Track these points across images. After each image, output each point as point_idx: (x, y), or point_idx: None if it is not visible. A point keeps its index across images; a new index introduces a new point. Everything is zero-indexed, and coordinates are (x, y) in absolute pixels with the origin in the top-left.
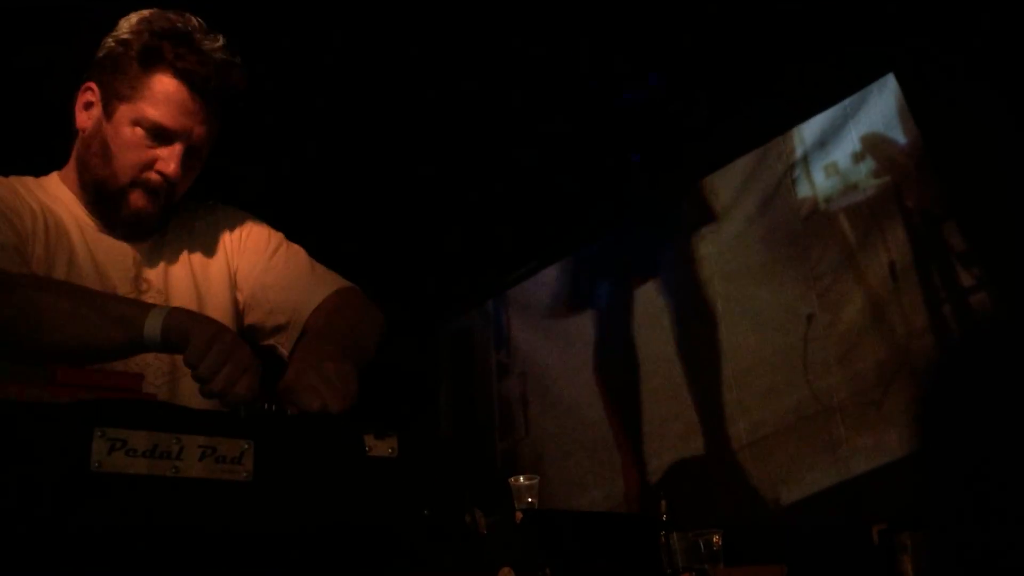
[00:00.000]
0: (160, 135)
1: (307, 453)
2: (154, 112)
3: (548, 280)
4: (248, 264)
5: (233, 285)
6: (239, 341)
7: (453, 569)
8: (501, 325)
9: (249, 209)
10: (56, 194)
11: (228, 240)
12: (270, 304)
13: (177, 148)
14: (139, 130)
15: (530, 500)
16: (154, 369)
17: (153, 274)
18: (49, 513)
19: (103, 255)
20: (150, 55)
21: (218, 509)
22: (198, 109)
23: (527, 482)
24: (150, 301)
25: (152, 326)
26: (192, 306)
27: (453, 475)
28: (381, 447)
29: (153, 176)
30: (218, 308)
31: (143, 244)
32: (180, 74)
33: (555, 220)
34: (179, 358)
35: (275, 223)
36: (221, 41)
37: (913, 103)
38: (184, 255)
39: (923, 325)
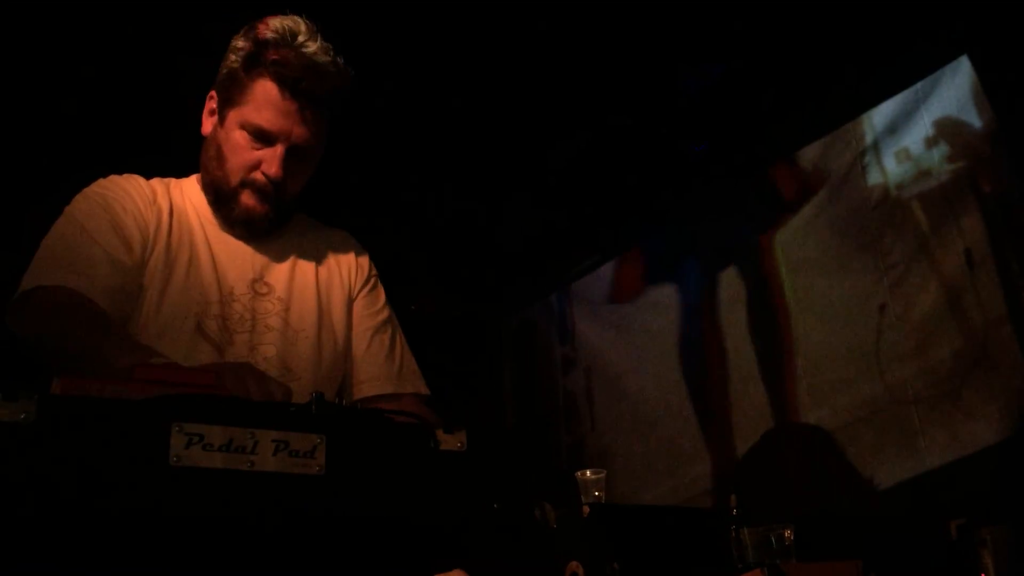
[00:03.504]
0: (262, 137)
1: (378, 447)
2: (255, 115)
3: (613, 273)
4: (359, 315)
5: (349, 312)
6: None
7: (522, 563)
8: (565, 319)
9: (327, 202)
10: (189, 194)
11: (350, 271)
12: (356, 368)
13: (279, 149)
14: (244, 133)
15: (597, 494)
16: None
17: (275, 280)
18: (131, 506)
19: (223, 254)
20: (253, 61)
21: (292, 502)
22: (295, 110)
23: (594, 476)
24: (268, 305)
25: None
26: (311, 319)
27: (522, 469)
28: (451, 441)
29: (258, 177)
30: (335, 328)
31: (264, 247)
32: (276, 77)
33: (620, 212)
34: (288, 360)
35: (350, 219)
36: (322, 43)
37: (988, 85)
38: (310, 270)
39: (1001, 313)
